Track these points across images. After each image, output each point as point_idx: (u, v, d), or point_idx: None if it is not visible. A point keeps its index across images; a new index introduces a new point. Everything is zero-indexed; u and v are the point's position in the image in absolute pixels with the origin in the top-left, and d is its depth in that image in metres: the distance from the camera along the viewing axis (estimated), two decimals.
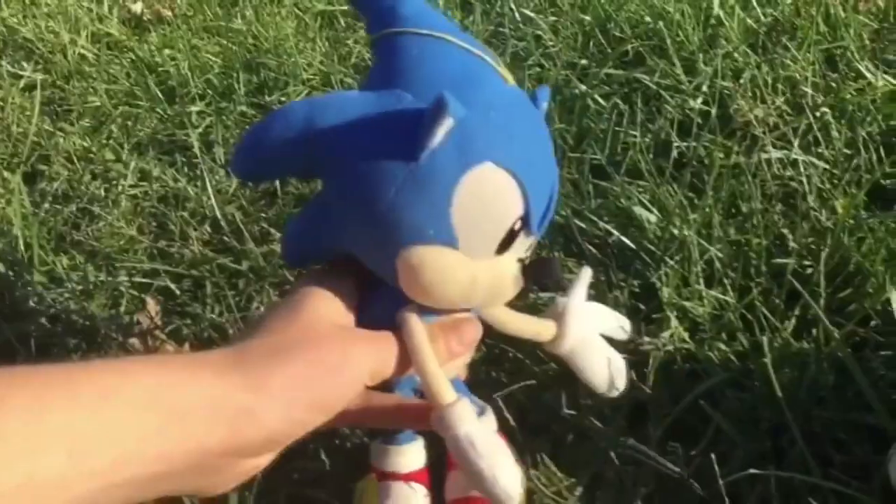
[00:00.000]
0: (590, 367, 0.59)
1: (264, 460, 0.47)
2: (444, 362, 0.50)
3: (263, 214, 1.03)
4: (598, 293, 0.81)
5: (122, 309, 0.92)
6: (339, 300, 0.50)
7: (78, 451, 0.35)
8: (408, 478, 0.61)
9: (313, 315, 0.48)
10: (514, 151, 0.47)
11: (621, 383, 0.61)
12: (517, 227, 0.48)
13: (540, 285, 0.53)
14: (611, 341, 0.61)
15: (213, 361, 0.43)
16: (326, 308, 0.49)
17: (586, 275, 0.60)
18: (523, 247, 0.49)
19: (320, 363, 0.45)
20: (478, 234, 0.47)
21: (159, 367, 0.41)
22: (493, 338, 0.76)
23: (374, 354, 0.48)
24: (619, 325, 0.62)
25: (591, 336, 0.60)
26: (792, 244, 0.82)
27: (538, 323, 0.58)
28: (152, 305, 0.91)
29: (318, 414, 0.45)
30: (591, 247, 0.87)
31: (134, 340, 0.87)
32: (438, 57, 0.49)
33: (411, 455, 0.61)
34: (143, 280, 0.96)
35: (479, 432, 0.47)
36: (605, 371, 0.60)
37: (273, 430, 0.43)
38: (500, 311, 0.56)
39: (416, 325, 0.49)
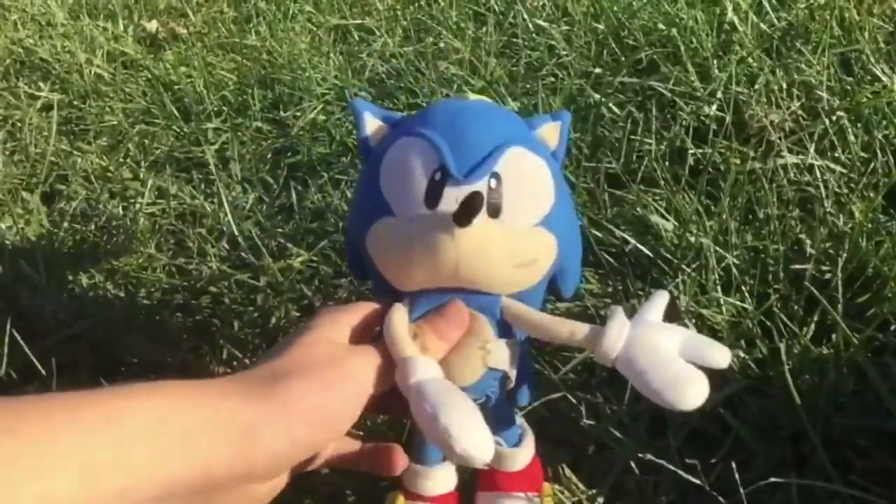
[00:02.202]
0: (639, 374, 0.50)
1: (270, 487, 0.47)
2: (440, 350, 0.52)
3: (280, 230, 1.04)
4: (615, 302, 0.81)
5: (142, 327, 0.92)
6: (345, 321, 0.52)
7: (89, 474, 0.36)
8: (436, 501, 0.61)
9: (313, 338, 0.50)
10: (430, 122, 0.55)
11: (687, 396, 0.48)
12: (437, 177, 0.52)
13: (467, 219, 0.50)
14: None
15: (216, 386, 0.44)
16: (328, 329, 0.51)
17: (659, 295, 0.55)
18: (457, 198, 0.51)
19: (317, 380, 0.46)
20: (402, 194, 0.53)
21: (164, 392, 0.42)
22: None
23: (370, 364, 0.49)
24: (708, 350, 0.52)
25: (649, 345, 0.51)
26: (809, 250, 0.82)
27: (572, 324, 0.54)
28: None
29: (322, 431, 0.46)
30: (608, 256, 0.87)
31: (155, 359, 0.88)
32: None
33: (441, 478, 0.61)
34: (162, 298, 0.97)
35: (433, 383, 0.47)
36: (658, 381, 0.49)
37: (277, 450, 0.44)
38: (532, 313, 0.55)
39: (392, 307, 0.53)
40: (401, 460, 0.56)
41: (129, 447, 0.38)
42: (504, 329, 0.55)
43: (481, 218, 0.50)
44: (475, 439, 0.44)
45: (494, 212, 0.52)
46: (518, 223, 0.53)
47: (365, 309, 0.54)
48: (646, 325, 0.52)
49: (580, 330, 0.53)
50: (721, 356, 0.51)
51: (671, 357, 0.50)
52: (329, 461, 0.55)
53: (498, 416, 0.58)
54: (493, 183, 0.52)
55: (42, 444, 0.36)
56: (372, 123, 0.58)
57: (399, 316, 0.53)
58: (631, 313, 0.53)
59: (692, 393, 0.48)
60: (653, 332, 0.51)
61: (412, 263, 0.53)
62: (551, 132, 0.59)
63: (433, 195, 0.52)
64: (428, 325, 0.52)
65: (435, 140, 0.52)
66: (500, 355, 0.55)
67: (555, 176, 0.56)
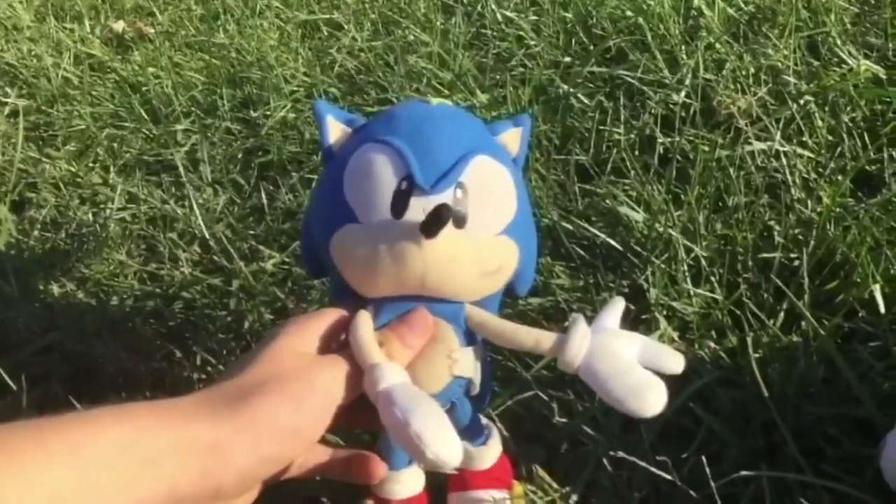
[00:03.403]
0: (602, 383, 0.51)
1: (242, 501, 0.47)
2: (406, 357, 0.52)
3: (252, 232, 1.03)
4: (587, 296, 0.81)
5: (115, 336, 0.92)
6: (311, 329, 0.52)
7: (54, 503, 0.36)
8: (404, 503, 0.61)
9: (279, 349, 0.49)
10: (394, 128, 0.55)
11: (648, 404, 0.50)
12: (403, 186, 0.52)
13: (434, 230, 0.50)
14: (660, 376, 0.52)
15: (181, 406, 0.44)
16: (294, 340, 0.50)
17: (616, 302, 0.56)
18: (423, 208, 0.51)
19: (284, 394, 0.46)
20: (367, 202, 0.53)
21: (129, 416, 0.42)
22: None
23: (337, 374, 0.49)
24: (665, 357, 0.54)
25: (609, 353, 0.52)
26: (778, 238, 0.82)
27: (538, 332, 0.55)
28: None
29: (291, 445, 0.46)
30: (578, 249, 0.86)
31: (129, 368, 0.87)
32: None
33: (407, 482, 0.60)
34: (135, 305, 0.96)
35: (402, 388, 0.48)
36: (620, 389, 0.50)
37: (245, 467, 0.43)
38: (496, 322, 0.56)
39: (357, 315, 0.53)
40: (379, 469, 0.56)
41: (94, 474, 0.38)
42: (468, 336, 0.56)
43: (447, 228, 0.50)
44: (445, 444, 0.45)
45: (460, 222, 0.52)
46: (483, 233, 0.54)
47: (330, 317, 0.54)
48: (606, 332, 0.53)
49: (546, 339, 0.54)
50: (676, 363, 0.53)
51: (631, 365, 0.51)
52: (300, 471, 0.55)
53: (464, 422, 0.58)
54: (459, 193, 0.53)
55: (8, 477, 0.36)
56: (335, 128, 0.58)
57: (365, 324, 0.53)
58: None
59: (653, 400, 0.50)
60: (612, 339, 0.53)
61: (377, 272, 0.53)
62: (513, 138, 0.60)
63: (399, 205, 0.52)
64: (393, 333, 0.52)
65: (401, 149, 0.53)
66: (466, 363, 0.55)
67: (517, 184, 0.56)
